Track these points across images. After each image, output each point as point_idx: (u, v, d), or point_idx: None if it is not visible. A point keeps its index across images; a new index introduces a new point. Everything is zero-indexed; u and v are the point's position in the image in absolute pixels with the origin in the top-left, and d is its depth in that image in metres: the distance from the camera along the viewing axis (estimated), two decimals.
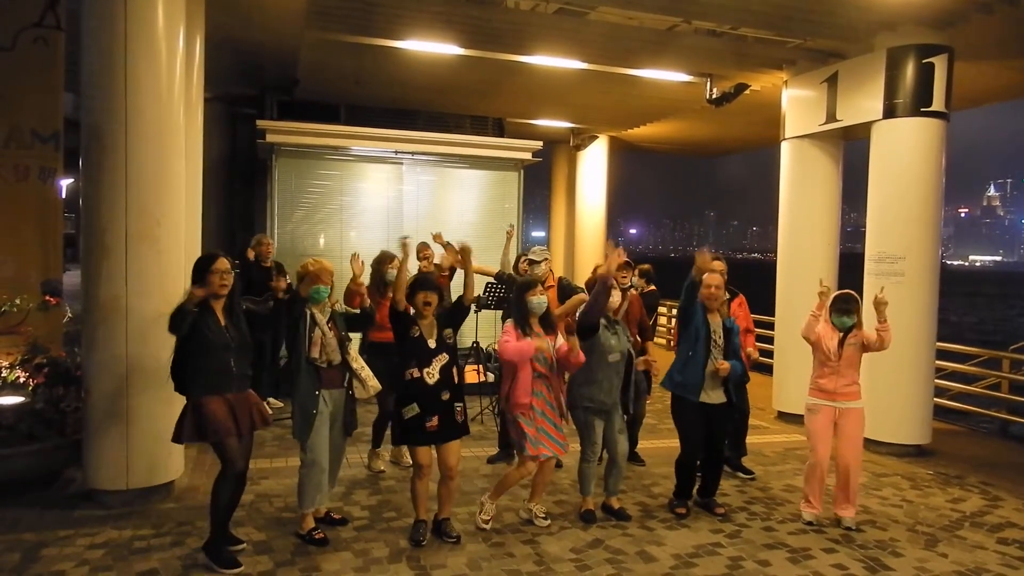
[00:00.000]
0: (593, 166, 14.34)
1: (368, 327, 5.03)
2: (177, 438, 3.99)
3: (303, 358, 4.28)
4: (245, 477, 4.22)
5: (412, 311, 4.38)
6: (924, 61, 6.69)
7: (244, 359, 4.11)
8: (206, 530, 4.33)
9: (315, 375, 4.31)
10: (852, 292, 4.97)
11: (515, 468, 4.66)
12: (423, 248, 7.66)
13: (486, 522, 4.61)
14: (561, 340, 4.63)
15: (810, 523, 4.90)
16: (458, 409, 4.36)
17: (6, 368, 5.34)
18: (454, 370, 4.38)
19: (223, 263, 4.01)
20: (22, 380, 5.30)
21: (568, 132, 13.76)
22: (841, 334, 4.87)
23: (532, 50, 7.99)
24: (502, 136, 11.53)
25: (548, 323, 4.64)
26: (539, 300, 4.56)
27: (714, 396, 4.88)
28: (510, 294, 6.26)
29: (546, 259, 6.04)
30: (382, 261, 5.75)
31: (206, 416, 3.90)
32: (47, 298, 5.90)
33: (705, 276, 4.93)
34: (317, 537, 4.29)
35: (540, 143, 10.17)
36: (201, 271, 3.97)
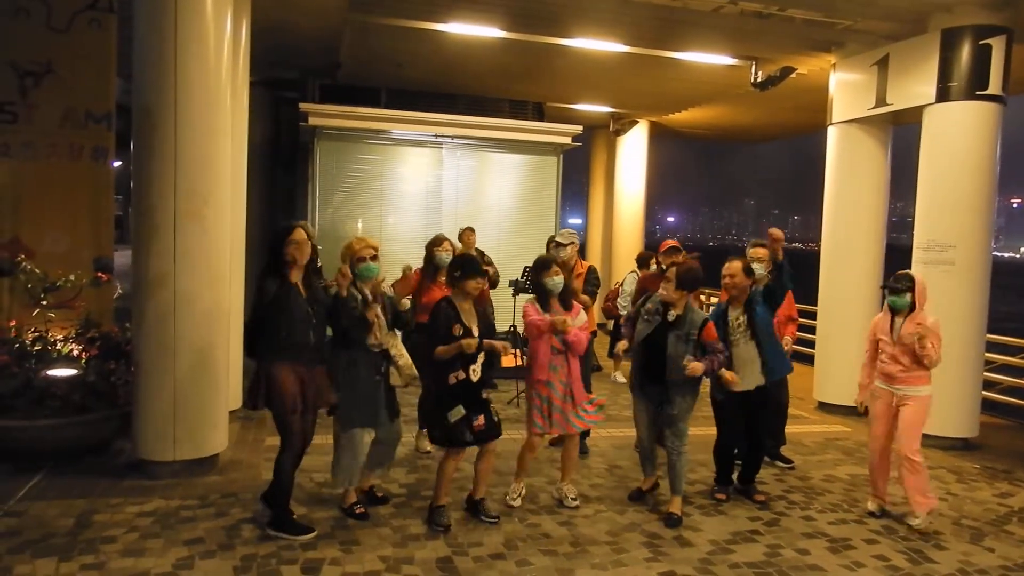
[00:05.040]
0: (633, 152, 14.17)
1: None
2: (252, 403, 4.06)
3: (361, 344, 4.25)
4: (303, 453, 4.28)
5: (452, 306, 4.27)
6: (981, 43, 6.46)
7: (321, 332, 4.14)
8: (251, 502, 4.46)
9: (372, 362, 4.30)
10: (907, 271, 4.79)
11: (524, 445, 4.72)
12: (468, 234, 7.67)
13: (514, 499, 4.70)
14: (583, 317, 4.67)
15: (872, 513, 4.82)
16: (494, 409, 4.37)
17: (60, 341, 5.52)
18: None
19: (300, 233, 4.04)
20: (75, 353, 5.48)
21: (608, 117, 13.63)
22: (892, 316, 4.73)
23: (574, 33, 7.92)
24: (542, 120, 11.47)
25: (566, 302, 4.66)
26: (554, 281, 4.57)
27: (749, 382, 4.83)
28: None
29: (572, 243, 6.01)
30: (435, 244, 5.74)
31: (275, 387, 3.97)
32: (99, 274, 6.07)
33: (725, 267, 4.91)
34: (358, 512, 4.36)
35: (580, 128, 10.09)
36: (276, 244, 4.01)
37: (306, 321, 4.03)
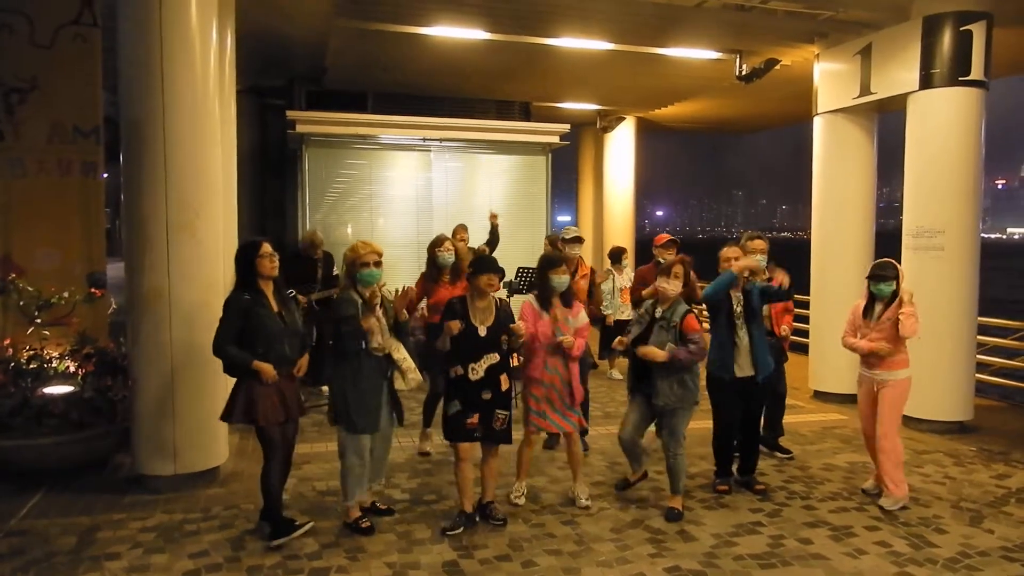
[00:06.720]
0: (620, 148, 14.22)
1: None
2: (227, 417, 4.09)
3: (363, 349, 4.21)
4: (291, 460, 4.31)
5: (462, 304, 4.33)
6: (962, 29, 6.51)
7: (295, 344, 4.18)
8: (254, 513, 4.45)
9: (376, 367, 4.28)
10: (891, 260, 4.90)
11: (522, 444, 4.75)
12: (460, 231, 7.70)
13: (517, 497, 4.74)
14: (583, 316, 4.67)
15: (864, 491, 5.00)
16: (500, 417, 4.32)
17: (56, 359, 5.50)
18: (503, 377, 4.34)
19: (267, 247, 4.11)
20: (71, 370, 5.46)
21: (595, 114, 13.65)
22: (870, 303, 4.86)
23: (558, 32, 7.94)
24: (528, 120, 11.49)
25: (567, 301, 4.68)
26: (560, 279, 4.59)
27: (747, 369, 4.86)
28: None
29: (582, 242, 6.05)
30: (436, 244, 5.74)
31: (256, 400, 3.99)
32: (92, 290, 6.04)
33: (723, 251, 4.99)
34: (363, 526, 4.30)
35: (567, 126, 10.11)
36: (249, 259, 4.05)
37: (281, 334, 4.07)
